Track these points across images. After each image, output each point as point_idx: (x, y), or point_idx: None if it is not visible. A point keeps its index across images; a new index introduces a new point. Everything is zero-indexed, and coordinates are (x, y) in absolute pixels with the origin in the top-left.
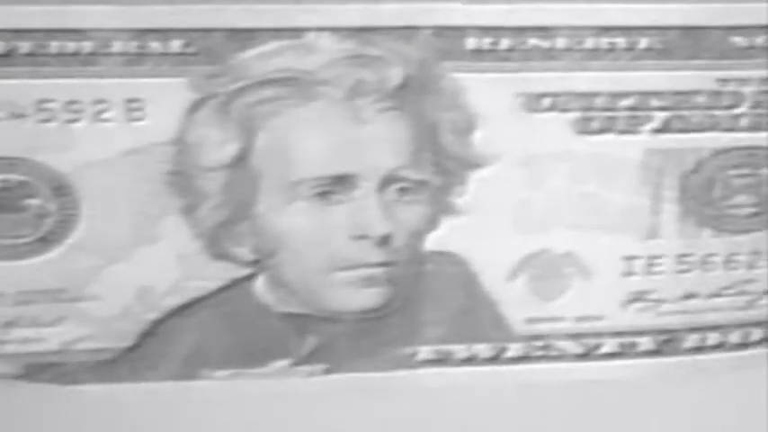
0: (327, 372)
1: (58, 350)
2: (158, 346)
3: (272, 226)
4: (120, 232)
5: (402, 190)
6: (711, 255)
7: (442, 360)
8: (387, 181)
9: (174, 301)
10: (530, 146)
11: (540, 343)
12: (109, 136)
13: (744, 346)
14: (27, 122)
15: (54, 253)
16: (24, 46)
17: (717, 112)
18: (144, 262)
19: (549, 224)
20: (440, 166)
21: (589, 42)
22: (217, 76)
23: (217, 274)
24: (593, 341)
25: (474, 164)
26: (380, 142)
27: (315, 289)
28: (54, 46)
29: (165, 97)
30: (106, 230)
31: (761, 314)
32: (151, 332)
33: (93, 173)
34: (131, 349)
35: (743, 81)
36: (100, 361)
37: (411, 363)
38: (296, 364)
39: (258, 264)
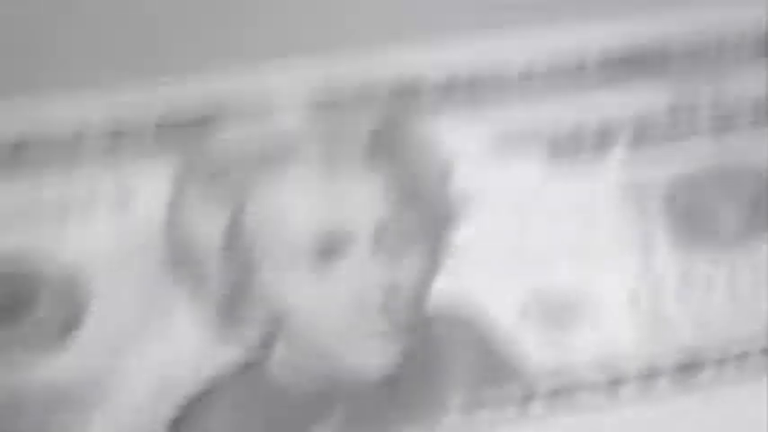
0: None
1: None
2: None
3: (278, 299)
4: (129, 320)
5: (396, 241)
6: (712, 275)
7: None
8: (378, 234)
9: (192, 390)
10: (507, 185)
11: (561, 392)
12: (101, 229)
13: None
14: (24, 222)
15: (66, 352)
16: None
17: (678, 129)
18: (157, 352)
19: (545, 261)
20: (425, 212)
21: (542, 74)
22: (195, 159)
23: (230, 356)
24: (612, 378)
25: (457, 207)
26: (363, 196)
27: (329, 359)
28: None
29: (151, 181)
30: (115, 321)
31: None
32: (177, 425)
33: (94, 268)
34: None
35: (696, 93)
36: None
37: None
38: None
39: (269, 340)
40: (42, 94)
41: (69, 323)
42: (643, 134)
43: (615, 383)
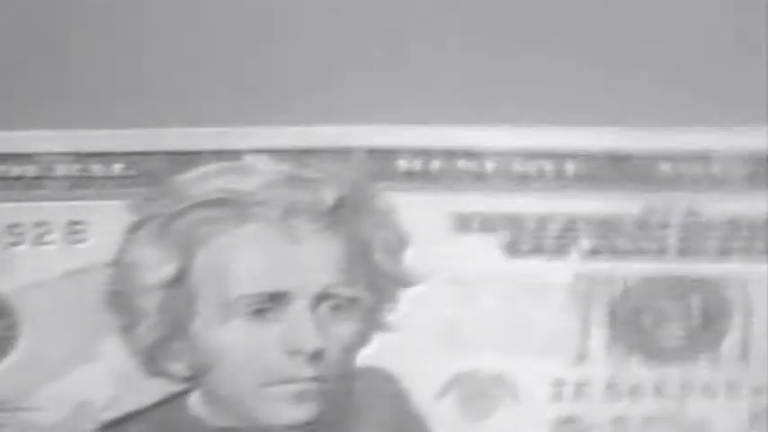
0: None
1: None
2: None
3: (208, 343)
4: (59, 351)
5: (335, 307)
6: (641, 383)
7: None
8: (320, 298)
9: (111, 415)
10: (459, 266)
11: None
12: (49, 259)
13: None
14: None
15: None
16: None
17: (644, 239)
18: (82, 379)
19: (478, 344)
20: (372, 283)
21: (517, 166)
22: (156, 197)
23: (153, 390)
24: None
25: (405, 282)
26: (314, 260)
27: (248, 403)
28: None
29: (107, 219)
30: (46, 349)
31: None
32: None
33: (34, 295)
34: None
35: (669, 210)
36: None
37: None
38: None
39: (193, 379)
40: (13, 128)
41: (3, 341)
42: (607, 239)
43: None
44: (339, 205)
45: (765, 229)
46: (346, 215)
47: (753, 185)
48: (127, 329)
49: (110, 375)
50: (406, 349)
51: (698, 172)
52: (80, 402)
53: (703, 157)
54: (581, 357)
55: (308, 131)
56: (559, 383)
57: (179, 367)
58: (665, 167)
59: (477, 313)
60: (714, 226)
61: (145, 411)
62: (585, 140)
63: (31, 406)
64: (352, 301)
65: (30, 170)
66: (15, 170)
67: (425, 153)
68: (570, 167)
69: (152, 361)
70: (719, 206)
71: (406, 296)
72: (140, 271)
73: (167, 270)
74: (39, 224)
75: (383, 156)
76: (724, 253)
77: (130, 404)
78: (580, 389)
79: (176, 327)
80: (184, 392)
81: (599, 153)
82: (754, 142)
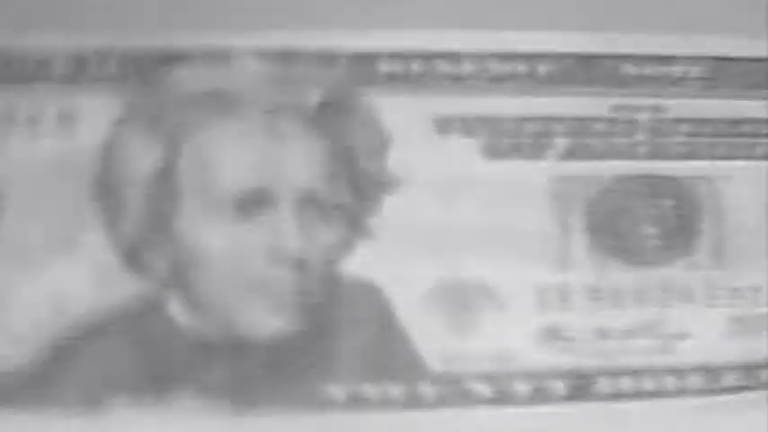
0: (234, 404)
1: None
2: (68, 367)
3: (190, 242)
4: (40, 237)
5: (320, 213)
6: (622, 289)
7: (354, 402)
8: (303, 200)
9: (86, 317)
10: (441, 169)
11: (453, 385)
12: (39, 147)
13: (658, 393)
14: None
15: None
16: None
17: (614, 140)
18: (60, 272)
19: (460, 250)
20: (355, 186)
21: (493, 68)
22: (147, 93)
23: (132, 289)
24: (506, 383)
25: (387, 185)
26: (297, 159)
27: (228, 310)
28: None
29: (97, 112)
30: (26, 237)
31: (674, 360)
32: (63, 351)
33: (21, 180)
34: (41, 370)
35: (635, 109)
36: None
37: (323, 403)
38: (202, 392)
39: (174, 281)
40: (10, 26)
41: None
42: (580, 139)
43: (508, 379)
44: (322, 107)
45: (728, 128)
46: (329, 117)
47: (714, 86)
48: (111, 221)
49: (89, 269)
50: (388, 256)
51: (661, 73)
52: (57, 302)
53: (666, 59)
54: (562, 263)
55: (294, 34)
56: (542, 291)
57: (160, 265)
58: (630, 68)
59: (458, 217)
60: (679, 125)
61: (123, 316)
62: (555, 43)
63: (9, 305)
64: (336, 205)
65: (27, 63)
66: (12, 64)
67: (405, 56)
68: (542, 68)
69: (133, 257)
70: (683, 106)
71: (389, 200)
72: (127, 160)
73: (153, 160)
74: (31, 114)
75: (365, 59)
76: (690, 151)
77: (108, 303)
78: (563, 296)
79: (160, 221)
80: (163, 298)
81: (568, 54)
82: (714, 46)
